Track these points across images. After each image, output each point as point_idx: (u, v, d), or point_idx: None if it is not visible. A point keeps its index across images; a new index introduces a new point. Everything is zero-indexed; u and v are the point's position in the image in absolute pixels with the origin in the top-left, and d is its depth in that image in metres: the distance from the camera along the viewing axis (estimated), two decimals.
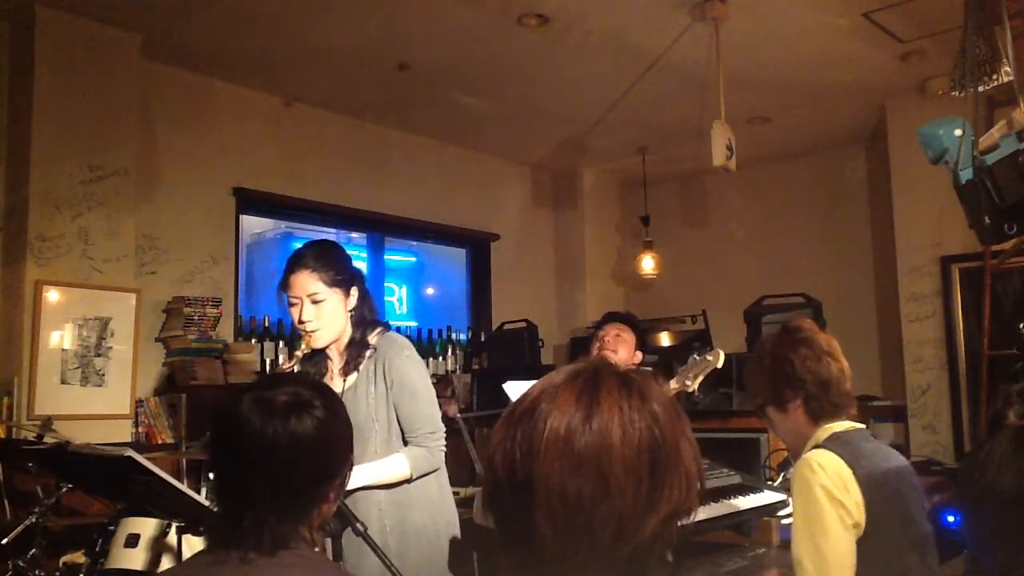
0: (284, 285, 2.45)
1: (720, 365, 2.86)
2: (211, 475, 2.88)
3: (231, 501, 1.42)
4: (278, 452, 1.39)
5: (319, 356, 2.54)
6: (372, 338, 2.51)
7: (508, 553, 0.97)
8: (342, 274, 2.47)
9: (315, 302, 2.41)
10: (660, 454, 0.94)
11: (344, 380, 2.50)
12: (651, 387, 0.98)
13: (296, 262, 2.44)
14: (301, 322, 2.43)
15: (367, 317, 2.52)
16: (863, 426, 2.00)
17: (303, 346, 2.45)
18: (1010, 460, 1.18)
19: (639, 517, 0.92)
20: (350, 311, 2.48)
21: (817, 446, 1.92)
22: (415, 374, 2.48)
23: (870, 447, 1.94)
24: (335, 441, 1.47)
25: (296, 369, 2.47)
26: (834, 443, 1.90)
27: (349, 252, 2.61)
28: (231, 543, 1.38)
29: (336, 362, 2.53)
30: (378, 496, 2.41)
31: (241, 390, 1.48)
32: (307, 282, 2.41)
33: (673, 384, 2.89)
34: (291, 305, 2.45)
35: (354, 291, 2.49)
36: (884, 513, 1.83)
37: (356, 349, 2.49)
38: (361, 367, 2.49)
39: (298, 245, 2.60)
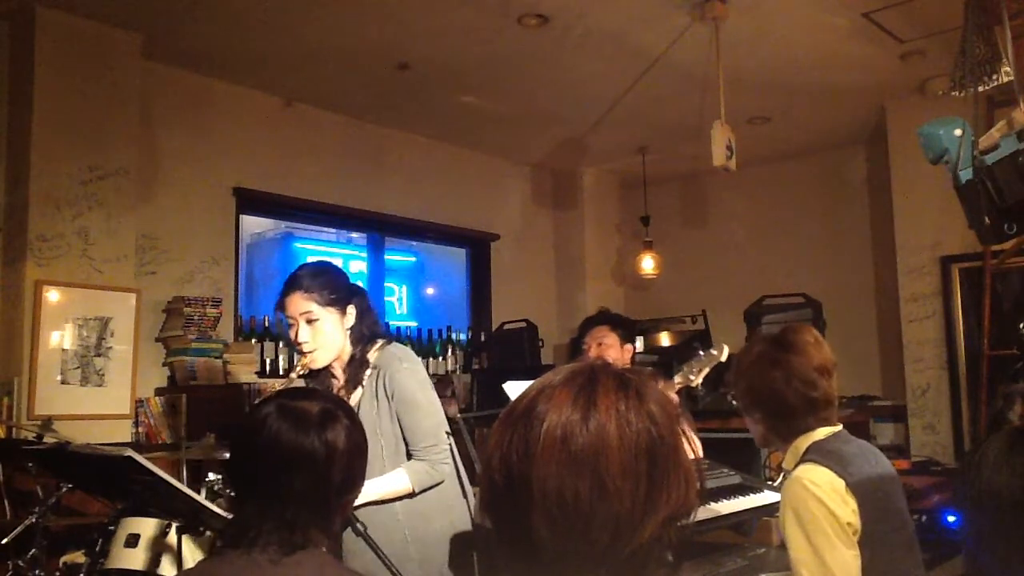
0: (280, 306, 2.50)
1: (724, 359, 2.89)
2: (215, 478, 2.88)
3: (255, 507, 1.45)
4: (315, 461, 1.45)
5: (323, 374, 2.55)
6: (372, 355, 2.51)
7: (507, 554, 0.97)
8: (337, 292, 2.48)
9: (309, 322, 2.44)
10: (658, 455, 0.93)
11: (349, 397, 2.50)
12: (649, 387, 0.97)
13: (290, 284, 2.48)
14: (297, 343, 2.46)
15: (366, 333, 2.52)
16: (840, 427, 1.96)
17: (299, 368, 2.50)
18: (1005, 461, 1.18)
19: (637, 519, 0.91)
20: (348, 329, 2.49)
21: (801, 459, 1.88)
22: (415, 386, 2.46)
23: (852, 450, 1.91)
24: (361, 451, 1.55)
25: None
26: (819, 454, 1.86)
27: (352, 251, 2.63)
28: (247, 544, 1.41)
29: (341, 379, 2.55)
30: (395, 507, 2.42)
31: (266, 400, 1.54)
32: (300, 302, 2.44)
33: (677, 379, 2.92)
34: (289, 327, 2.50)
35: (351, 309, 2.50)
36: (879, 517, 1.82)
37: (356, 367, 2.51)
38: (364, 384, 2.50)
39: (298, 245, 2.62)
